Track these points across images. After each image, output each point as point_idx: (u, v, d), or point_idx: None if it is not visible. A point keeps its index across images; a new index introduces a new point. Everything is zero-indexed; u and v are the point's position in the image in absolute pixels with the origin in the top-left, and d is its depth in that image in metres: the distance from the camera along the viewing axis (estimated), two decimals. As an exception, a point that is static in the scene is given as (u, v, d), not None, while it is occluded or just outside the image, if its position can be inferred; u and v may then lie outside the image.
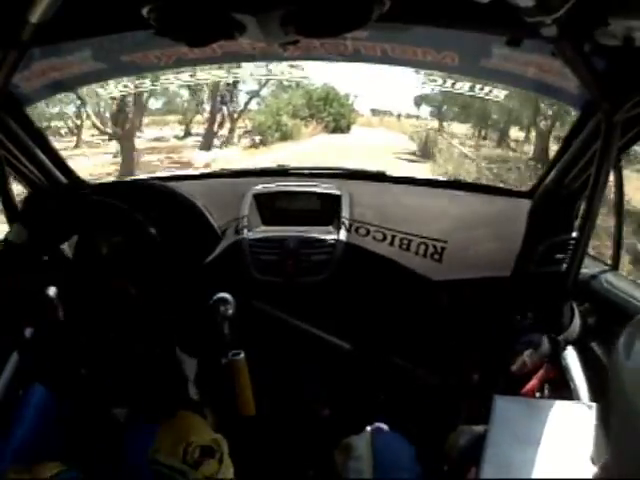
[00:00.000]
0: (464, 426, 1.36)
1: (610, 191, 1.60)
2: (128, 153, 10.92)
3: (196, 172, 2.23)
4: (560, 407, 1.21)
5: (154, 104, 13.82)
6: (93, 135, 13.25)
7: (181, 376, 1.38)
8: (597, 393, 1.35)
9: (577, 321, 1.57)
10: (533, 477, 1.05)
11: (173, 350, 1.60)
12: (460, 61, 1.56)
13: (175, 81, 2.10)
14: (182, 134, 14.98)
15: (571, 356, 1.51)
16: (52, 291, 1.66)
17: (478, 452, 1.14)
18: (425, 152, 14.07)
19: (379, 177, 2.14)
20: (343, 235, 1.86)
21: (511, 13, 0.97)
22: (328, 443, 1.39)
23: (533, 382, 1.56)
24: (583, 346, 1.53)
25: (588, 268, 1.66)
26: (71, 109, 11.92)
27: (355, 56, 1.64)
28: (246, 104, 14.08)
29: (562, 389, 1.46)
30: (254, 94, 13.94)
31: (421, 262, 1.87)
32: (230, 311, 1.70)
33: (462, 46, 1.52)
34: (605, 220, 2.13)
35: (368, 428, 1.35)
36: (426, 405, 1.81)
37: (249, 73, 2.45)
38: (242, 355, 1.61)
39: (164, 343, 1.57)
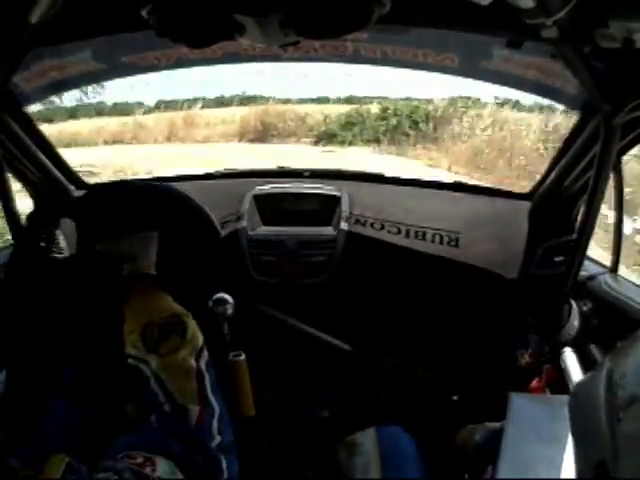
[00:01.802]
0: (477, 424, 1.36)
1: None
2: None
3: (196, 172, 2.22)
4: None
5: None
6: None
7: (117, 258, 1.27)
8: None
9: (575, 320, 1.57)
10: (551, 475, 1.05)
11: None
12: (460, 63, 1.56)
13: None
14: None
15: (570, 358, 1.51)
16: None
17: (494, 448, 1.13)
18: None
19: (378, 178, 2.14)
20: (345, 227, 1.88)
21: (511, 15, 0.97)
22: (327, 444, 1.39)
23: (536, 385, 1.57)
24: (582, 348, 1.53)
25: (587, 270, 1.67)
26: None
27: (355, 57, 1.64)
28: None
29: (562, 391, 1.46)
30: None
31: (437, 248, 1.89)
32: (230, 311, 1.70)
33: (462, 48, 1.52)
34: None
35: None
36: (426, 404, 1.82)
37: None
38: (242, 356, 1.61)
39: None
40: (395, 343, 1.93)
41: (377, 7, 0.98)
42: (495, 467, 1.10)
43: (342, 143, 8.84)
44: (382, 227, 1.90)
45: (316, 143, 9.16)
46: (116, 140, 9.61)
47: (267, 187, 1.98)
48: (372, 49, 1.59)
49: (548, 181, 1.81)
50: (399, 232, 1.90)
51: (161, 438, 1.07)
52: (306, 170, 2.11)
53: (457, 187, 2.12)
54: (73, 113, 9.58)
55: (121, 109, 9.91)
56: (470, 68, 1.61)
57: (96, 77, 1.76)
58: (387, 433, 1.31)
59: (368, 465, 1.23)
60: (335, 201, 1.93)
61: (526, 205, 1.88)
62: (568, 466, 1.05)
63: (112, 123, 9.88)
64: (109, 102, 9.88)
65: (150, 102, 9.95)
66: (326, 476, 1.48)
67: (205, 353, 1.19)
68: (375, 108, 9.10)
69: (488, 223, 1.91)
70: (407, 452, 1.27)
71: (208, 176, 2.17)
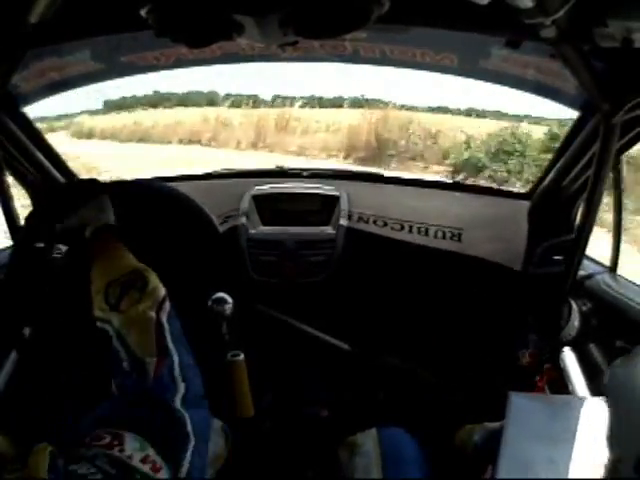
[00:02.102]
0: (475, 424, 1.36)
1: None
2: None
3: (195, 172, 2.22)
4: (577, 403, 1.20)
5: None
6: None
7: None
8: (595, 394, 1.35)
9: (575, 320, 1.57)
10: (551, 475, 1.05)
11: None
12: (459, 62, 1.56)
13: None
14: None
15: (570, 358, 1.51)
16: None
17: (493, 449, 1.13)
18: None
19: (377, 178, 2.14)
20: (345, 223, 1.89)
21: (510, 14, 0.97)
22: (327, 444, 1.39)
23: (536, 385, 1.57)
24: (582, 348, 1.53)
25: (586, 270, 1.67)
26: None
27: (354, 57, 1.64)
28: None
29: (562, 391, 1.46)
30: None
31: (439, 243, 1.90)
32: (229, 311, 1.70)
33: (461, 47, 1.52)
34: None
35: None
36: (426, 404, 1.81)
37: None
38: (241, 356, 1.61)
39: None
40: (395, 342, 1.93)
41: (376, 7, 0.98)
42: (495, 467, 1.10)
43: (491, 180, 6.28)
44: (385, 224, 1.91)
45: (453, 175, 6.56)
46: (192, 140, 7.97)
47: (266, 187, 1.98)
48: (371, 49, 1.59)
49: (547, 180, 1.81)
50: (402, 228, 1.90)
51: (123, 408, 1.05)
52: (305, 170, 2.11)
53: (456, 187, 2.12)
54: (182, 100, 8.43)
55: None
56: (469, 68, 1.62)
57: (95, 77, 1.75)
58: (389, 434, 1.31)
59: (369, 466, 1.23)
60: (334, 201, 1.93)
61: (525, 205, 1.88)
62: (568, 466, 1.05)
63: (193, 117, 8.18)
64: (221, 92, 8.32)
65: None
66: (326, 476, 1.48)
67: (167, 305, 1.15)
68: (538, 131, 6.49)
69: (488, 223, 1.91)
70: (408, 454, 1.27)
71: (207, 176, 2.17)
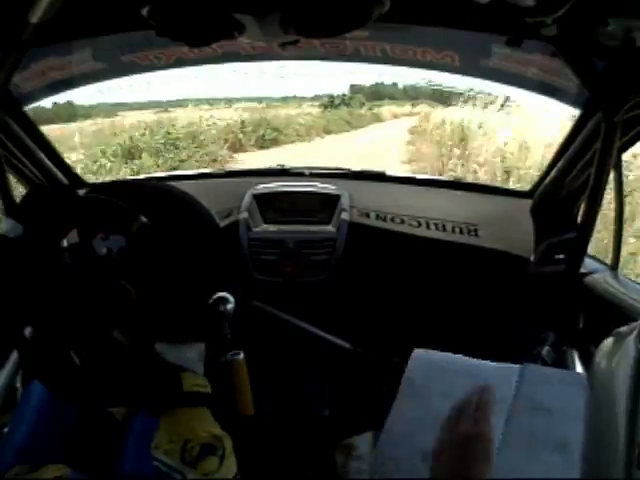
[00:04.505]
0: None
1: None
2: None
3: (196, 172, 2.22)
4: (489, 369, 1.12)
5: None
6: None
7: (176, 368, 1.34)
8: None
9: (575, 319, 1.57)
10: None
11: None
12: (460, 61, 1.56)
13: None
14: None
15: (570, 357, 1.51)
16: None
17: None
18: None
19: (379, 177, 2.14)
20: (347, 217, 1.90)
21: (511, 13, 0.97)
22: (327, 443, 1.39)
23: None
24: (582, 346, 1.53)
25: (588, 268, 1.66)
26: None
27: (355, 56, 1.64)
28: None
29: None
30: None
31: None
32: (230, 310, 1.70)
33: (462, 46, 1.52)
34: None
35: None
36: None
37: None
38: (241, 355, 1.61)
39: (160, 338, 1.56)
40: (396, 341, 1.93)
41: (377, 6, 0.98)
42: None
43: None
44: (385, 219, 1.91)
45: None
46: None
47: (267, 186, 1.98)
48: (372, 47, 1.59)
49: (549, 179, 1.81)
50: (402, 222, 1.91)
51: None
52: (305, 168, 2.11)
53: (458, 185, 2.12)
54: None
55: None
56: (470, 66, 1.62)
57: (96, 77, 1.75)
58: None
59: (363, 469, 1.24)
60: (335, 200, 1.93)
61: (527, 203, 1.88)
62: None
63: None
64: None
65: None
66: (324, 476, 1.49)
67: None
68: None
69: (489, 221, 1.91)
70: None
71: (208, 175, 2.17)
